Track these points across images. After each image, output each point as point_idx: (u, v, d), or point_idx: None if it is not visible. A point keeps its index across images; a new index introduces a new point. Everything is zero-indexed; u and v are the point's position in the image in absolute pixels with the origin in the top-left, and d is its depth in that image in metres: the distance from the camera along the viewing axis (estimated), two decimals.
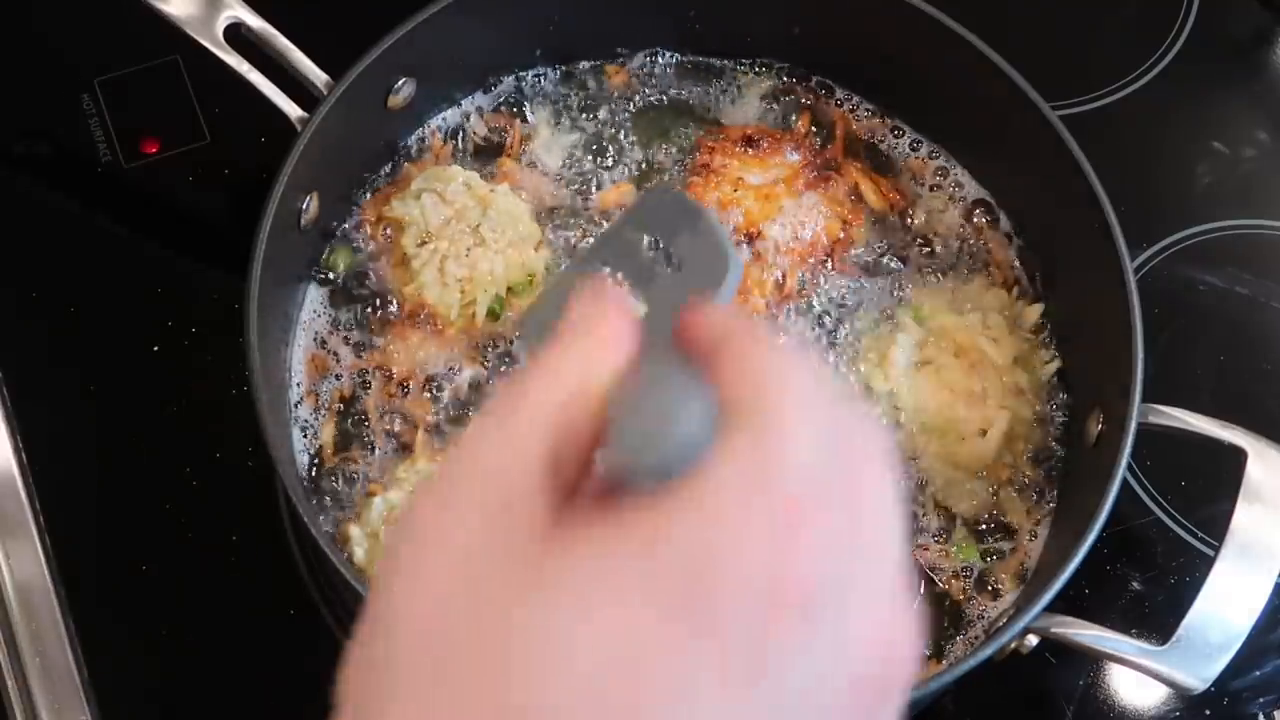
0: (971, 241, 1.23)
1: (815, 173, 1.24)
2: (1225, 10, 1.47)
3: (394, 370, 1.14)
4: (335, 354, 1.15)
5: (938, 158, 1.27)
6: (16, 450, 1.17)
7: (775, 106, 1.29)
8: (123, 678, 1.10)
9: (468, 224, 1.15)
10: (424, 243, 1.15)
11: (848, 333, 1.19)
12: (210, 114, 1.32)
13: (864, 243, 1.23)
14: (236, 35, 1.13)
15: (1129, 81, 1.41)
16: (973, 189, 1.25)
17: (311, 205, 1.13)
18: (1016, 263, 1.22)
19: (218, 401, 1.17)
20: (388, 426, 1.12)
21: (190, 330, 1.23)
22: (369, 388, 1.14)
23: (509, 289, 1.16)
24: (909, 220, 1.24)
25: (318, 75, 1.12)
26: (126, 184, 1.30)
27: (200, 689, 1.11)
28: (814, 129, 1.28)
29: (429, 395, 1.14)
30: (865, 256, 1.22)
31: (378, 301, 1.17)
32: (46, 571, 1.13)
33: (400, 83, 1.17)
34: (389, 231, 1.19)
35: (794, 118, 1.28)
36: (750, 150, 1.24)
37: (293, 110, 1.11)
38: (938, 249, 1.23)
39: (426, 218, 1.15)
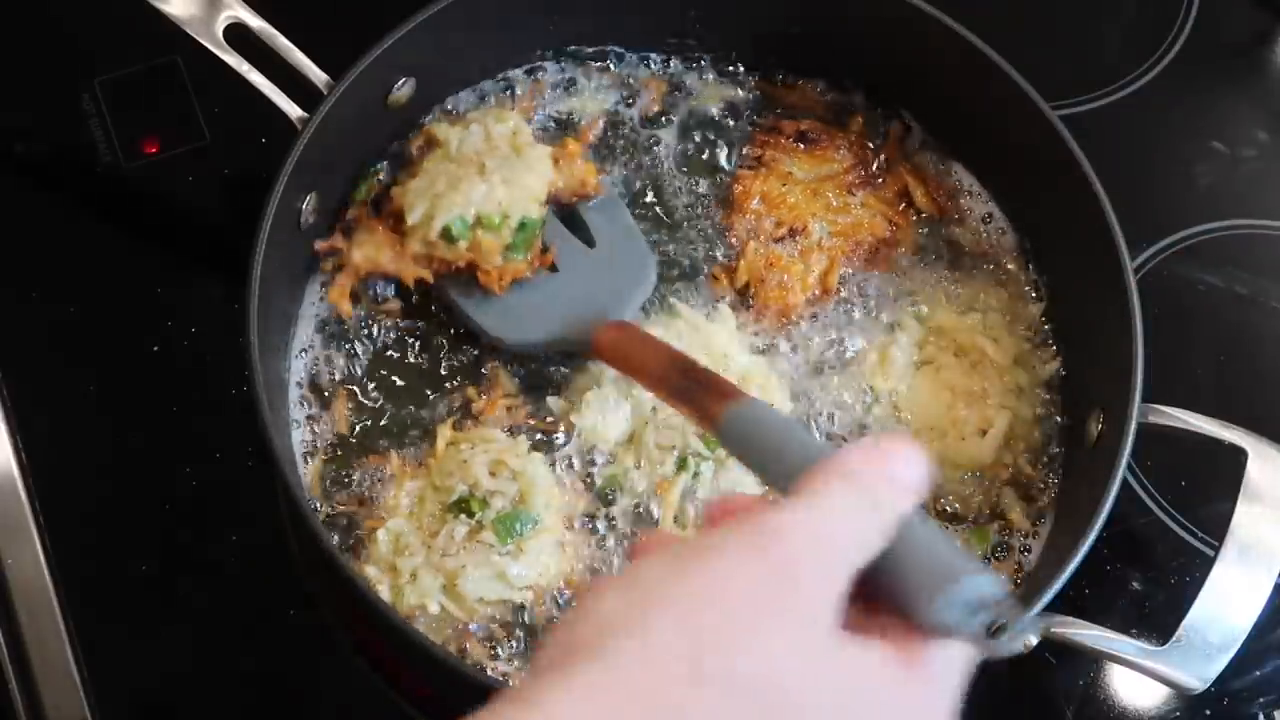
0: (971, 240, 1.23)
1: (865, 172, 1.25)
2: (1225, 10, 1.47)
3: (352, 263, 1.12)
4: (333, 354, 1.15)
5: (938, 155, 1.27)
6: (16, 450, 1.17)
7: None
8: (123, 678, 1.10)
9: (484, 160, 1.12)
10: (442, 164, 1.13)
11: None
12: (210, 114, 1.32)
13: (912, 245, 1.23)
14: (236, 35, 1.13)
15: (1129, 81, 1.41)
16: (973, 188, 1.25)
17: (311, 205, 1.13)
18: (1017, 262, 1.22)
19: (218, 401, 1.17)
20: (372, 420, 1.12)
21: (190, 330, 1.23)
22: (366, 386, 1.14)
23: (478, 219, 1.10)
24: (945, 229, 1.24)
25: (318, 75, 1.12)
26: (126, 184, 1.30)
27: (200, 689, 1.11)
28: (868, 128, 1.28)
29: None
30: (908, 259, 1.22)
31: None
32: (46, 571, 1.13)
33: (400, 83, 1.17)
34: (425, 147, 1.17)
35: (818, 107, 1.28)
36: (803, 146, 1.25)
37: (293, 110, 1.11)
38: (938, 247, 1.23)
39: (461, 143, 1.13)
